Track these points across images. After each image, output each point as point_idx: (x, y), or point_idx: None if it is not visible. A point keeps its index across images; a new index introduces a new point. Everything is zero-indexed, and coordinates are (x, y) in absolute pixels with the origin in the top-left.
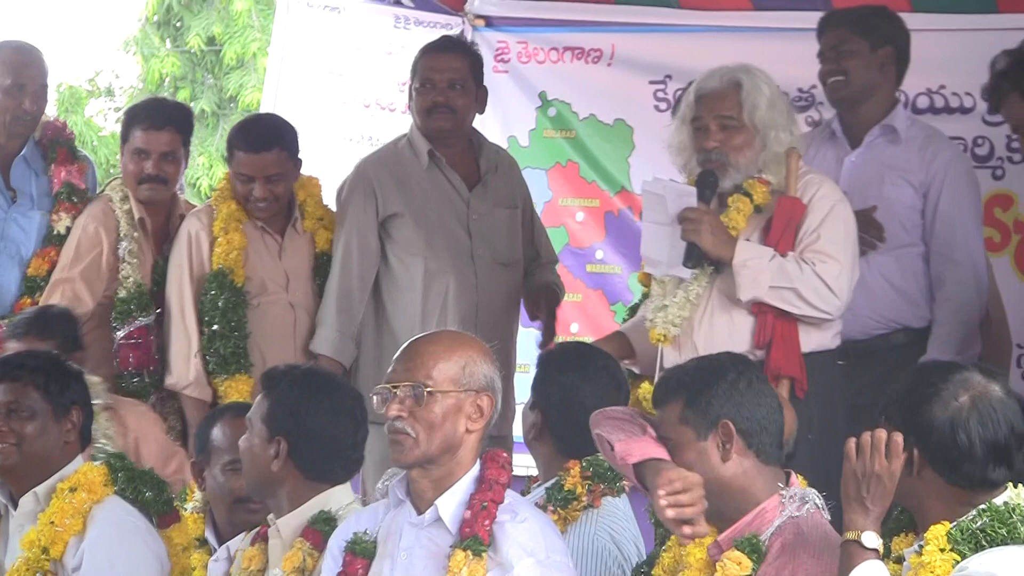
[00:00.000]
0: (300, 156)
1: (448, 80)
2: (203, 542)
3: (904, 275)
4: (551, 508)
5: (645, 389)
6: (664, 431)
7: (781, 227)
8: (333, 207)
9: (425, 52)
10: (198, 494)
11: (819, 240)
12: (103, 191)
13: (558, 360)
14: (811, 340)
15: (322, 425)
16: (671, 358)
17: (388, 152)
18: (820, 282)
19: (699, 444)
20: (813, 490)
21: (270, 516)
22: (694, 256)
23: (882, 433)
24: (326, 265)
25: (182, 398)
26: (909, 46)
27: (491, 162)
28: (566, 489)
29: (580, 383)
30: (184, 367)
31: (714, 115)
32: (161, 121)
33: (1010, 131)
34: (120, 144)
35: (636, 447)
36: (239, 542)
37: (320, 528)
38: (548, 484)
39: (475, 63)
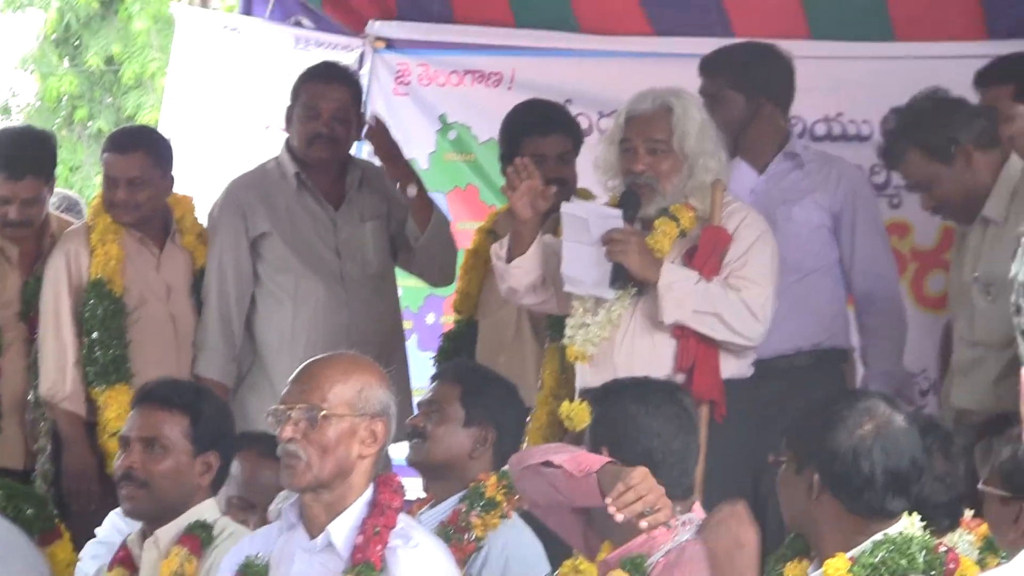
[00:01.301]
0: (173, 174)
1: (332, 111)
2: None
3: (810, 298)
4: (475, 512)
5: (565, 407)
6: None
7: (706, 253)
8: None
9: (310, 78)
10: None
11: (745, 266)
12: None
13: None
14: (729, 367)
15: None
16: (587, 378)
17: (257, 174)
18: (745, 308)
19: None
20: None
21: (131, 537)
22: (620, 277)
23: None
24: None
25: (56, 412)
26: (792, 83)
27: (355, 178)
28: (487, 496)
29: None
30: (60, 378)
31: (643, 138)
32: (20, 170)
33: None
34: None
35: (584, 458)
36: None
37: (198, 534)
38: (462, 493)
39: (357, 92)
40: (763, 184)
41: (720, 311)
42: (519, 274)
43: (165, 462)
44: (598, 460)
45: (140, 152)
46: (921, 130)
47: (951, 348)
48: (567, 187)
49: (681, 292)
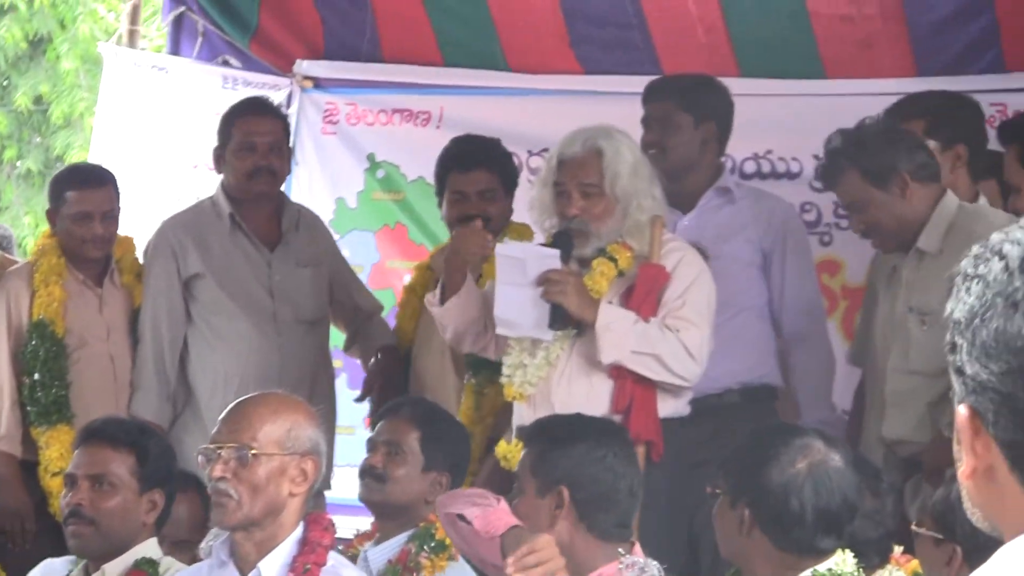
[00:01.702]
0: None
1: (268, 144)
2: None
3: (740, 337)
4: (424, 554)
5: (503, 448)
6: (520, 472)
7: (643, 293)
8: None
9: (241, 114)
10: None
11: (683, 307)
12: None
13: None
14: (667, 406)
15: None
16: (525, 417)
17: (190, 214)
18: (682, 349)
19: (536, 500)
20: (654, 562)
21: (74, 573)
22: (559, 318)
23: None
24: None
25: None
26: (732, 117)
27: (292, 221)
28: (437, 538)
29: None
30: None
31: (576, 182)
32: None
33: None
34: None
35: (494, 518)
36: None
37: (146, 569)
38: (411, 533)
39: (286, 125)
40: (694, 219)
41: (658, 352)
42: (455, 313)
43: (113, 499)
44: (505, 523)
45: (110, 186)
46: (863, 153)
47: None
48: (490, 224)
49: (619, 332)
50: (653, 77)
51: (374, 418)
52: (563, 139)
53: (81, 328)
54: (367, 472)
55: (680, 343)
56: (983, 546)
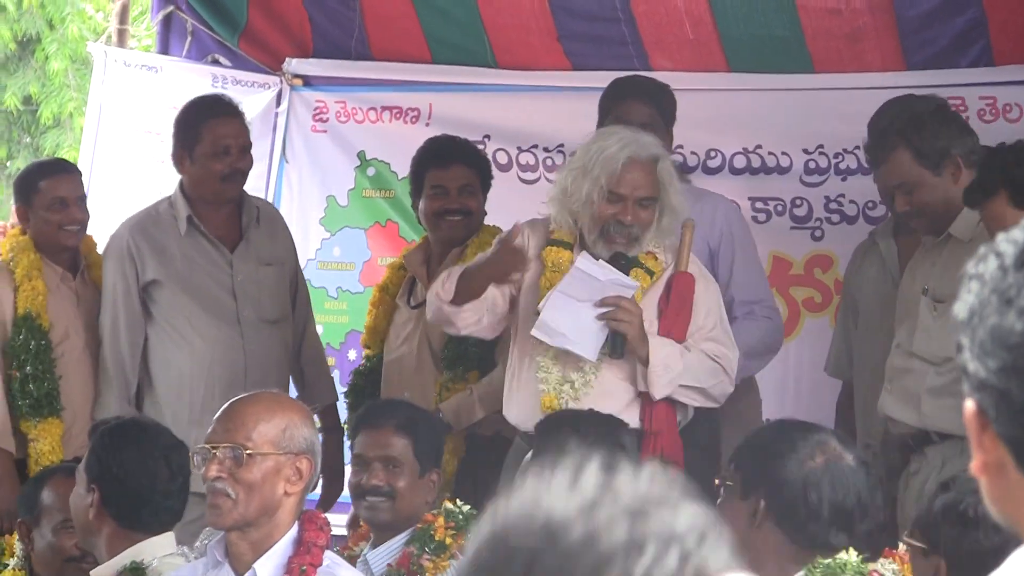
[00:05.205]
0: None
1: (241, 146)
2: None
3: None
4: (426, 556)
5: None
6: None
7: (676, 309)
8: None
9: (211, 116)
10: (19, 549)
11: (716, 327)
12: None
13: None
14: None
15: (130, 473)
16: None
17: (148, 217)
18: (725, 375)
19: None
20: None
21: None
22: (618, 348)
23: None
24: None
25: None
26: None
27: (251, 216)
28: (436, 539)
29: None
30: None
31: (636, 194)
32: None
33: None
34: None
35: None
36: None
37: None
38: (410, 534)
39: (247, 124)
40: None
41: (704, 385)
42: (468, 316)
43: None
44: None
45: (77, 174)
46: (918, 132)
47: (848, 413)
48: (471, 219)
49: (672, 370)
50: (640, 73)
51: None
52: (620, 141)
53: (64, 322)
54: (371, 491)
55: (723, 371)
56: (967, 559)
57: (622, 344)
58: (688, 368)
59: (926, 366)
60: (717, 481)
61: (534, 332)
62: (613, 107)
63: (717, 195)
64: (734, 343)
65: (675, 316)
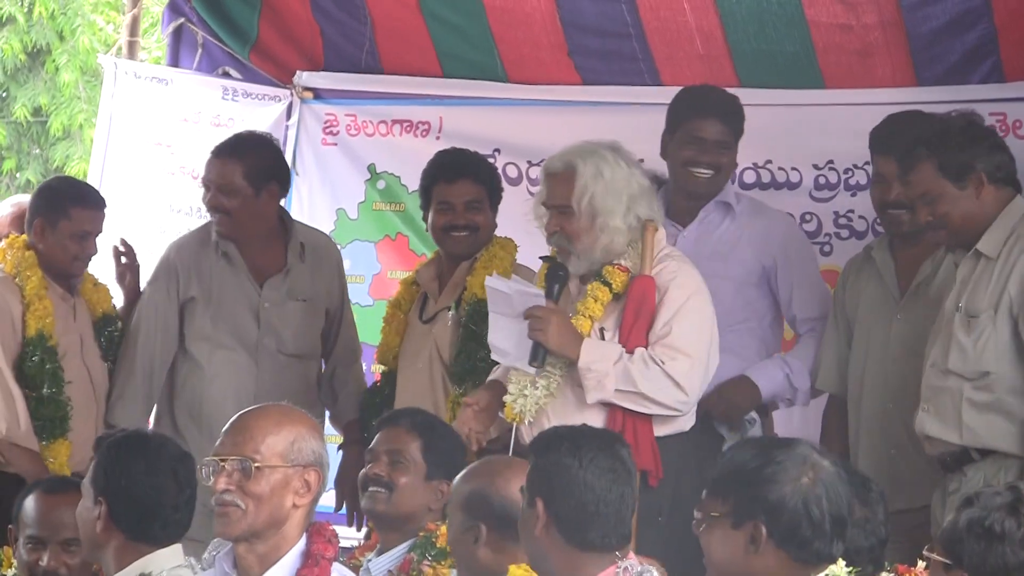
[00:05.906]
0: None
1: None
2: None
3: (733, 353)
4: (426, 562)
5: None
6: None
7: (633, 315)
8: None
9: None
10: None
11: (670, 335)
12: None
13: None
14: (666, 426)
15: (137, 485)
16: (523, 438)
17: (194, 238)
18: (668, 381)
19: (525, 510)
20: (651, 568)
21: None
22: (539, 356)
23: None
24: (104, 328)
25: (13, 454)
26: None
27: (296, 253)
28: (438, 546)
29: None
30: (12, 415)
31: (552, 201)
32: None
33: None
34: None
35: None
36: None
37: None
38: (412, 542)
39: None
40: (693, 233)
41: (642, 389)
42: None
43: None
44: None
45: (105, 208)
46: (944, 146)
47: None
48: (477, 234)
49: (600, 373)
50: (651, 88)
51: (370, 431)
52: (548, 158)
53: (65, 341)
54: (372, 481)
55: (666, 376)
56: (992, 574)
57: (544, 353)
58: (622, 373)
59: (962, 382)
60: (699, 515)
61: (494, 357)
62: (686, 121)
63: (775, 212)
64: (698, 352)
65: (632, 320)
